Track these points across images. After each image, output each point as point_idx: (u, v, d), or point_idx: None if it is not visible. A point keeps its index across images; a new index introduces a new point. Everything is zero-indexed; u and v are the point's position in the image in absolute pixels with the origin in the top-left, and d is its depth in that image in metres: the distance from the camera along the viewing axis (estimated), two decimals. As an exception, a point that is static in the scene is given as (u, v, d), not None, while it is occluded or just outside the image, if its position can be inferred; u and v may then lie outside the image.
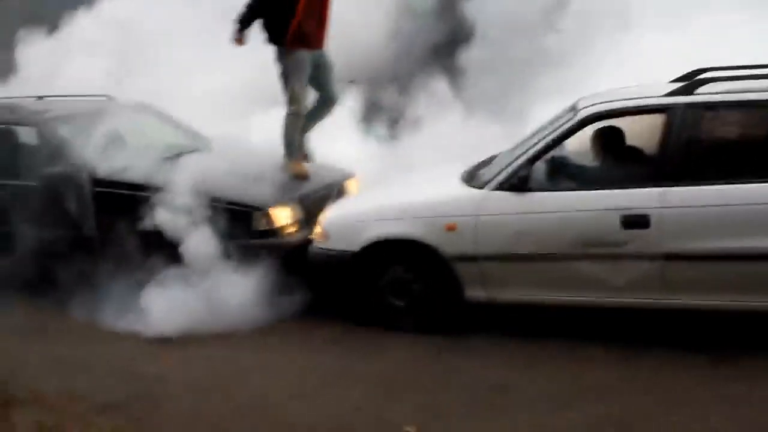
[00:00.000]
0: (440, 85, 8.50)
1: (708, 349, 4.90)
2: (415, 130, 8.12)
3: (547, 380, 4.68)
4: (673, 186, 4.78)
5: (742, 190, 4.68)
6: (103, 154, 6.40)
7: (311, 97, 6.84)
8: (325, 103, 6.88)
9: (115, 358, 5.36)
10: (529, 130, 5.81)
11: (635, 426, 4.14)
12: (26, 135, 6.85)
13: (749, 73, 4.91)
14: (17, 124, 6.84)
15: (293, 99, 6.60)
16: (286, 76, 6.60)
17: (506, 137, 6.17)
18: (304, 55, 6.55)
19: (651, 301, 4.95)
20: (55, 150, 6.49)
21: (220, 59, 8.02)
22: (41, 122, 6.68)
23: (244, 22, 6.61)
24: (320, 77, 6.74)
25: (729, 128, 4.88)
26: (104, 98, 7.50)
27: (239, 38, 6.65)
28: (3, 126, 6.88)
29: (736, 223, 4.68)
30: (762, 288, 4.68)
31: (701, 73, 5.30)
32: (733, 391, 4.42)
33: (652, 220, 4.79)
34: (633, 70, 6.13)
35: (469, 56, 8.74)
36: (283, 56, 6.58)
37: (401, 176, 6.43)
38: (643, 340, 5.08)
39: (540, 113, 6.05)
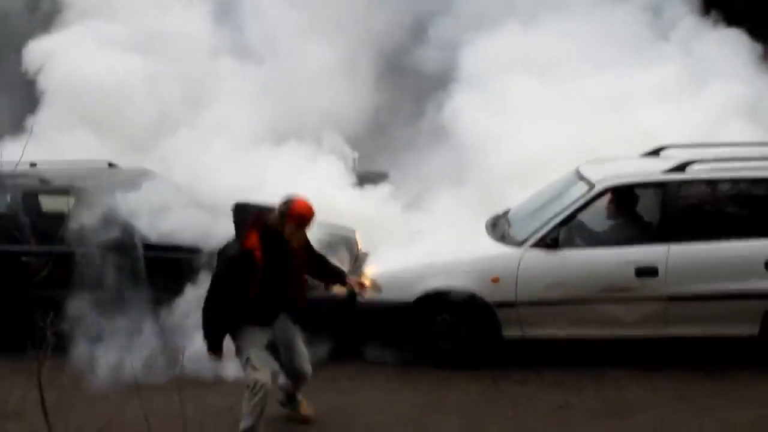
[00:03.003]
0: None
1: (695, 367, 6.41)
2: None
3: (597, 398, 6.00)
4: (675, 243, 6.27)
5: (725, 246, 6.27)
6: (150, 220, 6.92)
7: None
8: None
9: (216, 407, 5.99)
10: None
11: (685, 428, 5.52)
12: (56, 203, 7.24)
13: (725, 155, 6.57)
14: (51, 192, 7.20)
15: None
16: None
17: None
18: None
19: (654, 332, 6.40)
20: (100, 217, 6.92)
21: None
22: (79, 190, 7.09)
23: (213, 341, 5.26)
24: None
25: (714, 199, 6.51)
26: (105, 164, 7.94)
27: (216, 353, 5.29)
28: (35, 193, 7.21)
29: (721, 271, 6.25)
30: (741, 318, 6.26)
31: (665, 149, 6.98)
32: (734, 396, 5.94)
33: (660, 270, 6.24)
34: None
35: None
36: None
37: (423, 232, 7.47)
38: (644, 364, 6.49)
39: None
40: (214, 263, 5.42)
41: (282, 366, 5.50)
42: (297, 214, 5.09)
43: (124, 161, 8.25)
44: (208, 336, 5.20)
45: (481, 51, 9.37)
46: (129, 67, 9.23)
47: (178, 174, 8.19)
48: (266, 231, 5.09)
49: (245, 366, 5.23)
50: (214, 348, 5.20)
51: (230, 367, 6.31)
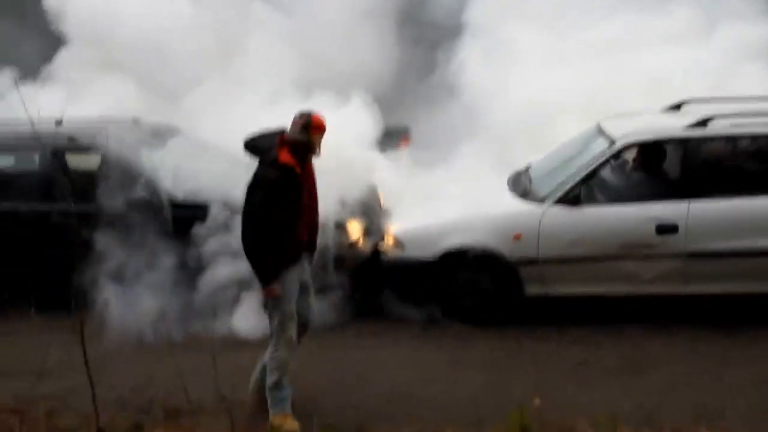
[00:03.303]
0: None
1: (712, 324, 6.50)
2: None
3: (614, 354, 6.11)
4: (696, 200, 6.30)
5: (747, 202, 6.30)
6: (178, 178, 7.01)
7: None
8: None
9: (243, 365, 6.10)
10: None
11: (703, 384, 5.62)
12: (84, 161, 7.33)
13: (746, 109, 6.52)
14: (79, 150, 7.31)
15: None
16: None
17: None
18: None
19: (674, 289, 6.47)
20: (127, 175, 7.01)
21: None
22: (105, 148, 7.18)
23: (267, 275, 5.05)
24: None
25: (736, 155, 6.52)
26: (130, 120, 7.98)
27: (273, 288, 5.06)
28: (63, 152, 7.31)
29: (742, 227, 6.30)
30: (762, 276, 6.31)
31: (686, 103, 6.98)
32: (751, 353, 6.04)
33: (680, 227, 6.29)
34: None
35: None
36: None
37: (444, 188, 7.50)
38: (662, 321, 6.57)
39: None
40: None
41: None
42: (318, 123, 5.09)
43: (146, 105, 8.27)
44: (261, 269, 5.01)
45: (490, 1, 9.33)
46: (154, 9, 9.10)
47: (205, 126, 8.21)
48: (294, 146, 5.05)
49: (277, 318, 5.12)
50: (270, 279, 5.01)
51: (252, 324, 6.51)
